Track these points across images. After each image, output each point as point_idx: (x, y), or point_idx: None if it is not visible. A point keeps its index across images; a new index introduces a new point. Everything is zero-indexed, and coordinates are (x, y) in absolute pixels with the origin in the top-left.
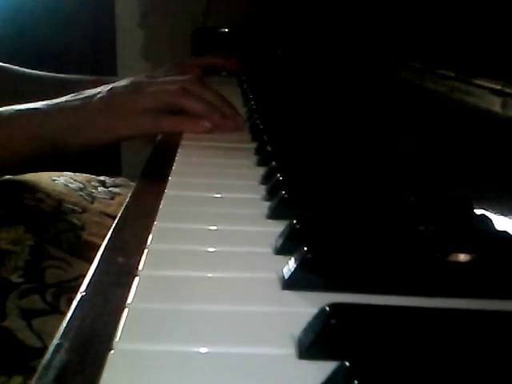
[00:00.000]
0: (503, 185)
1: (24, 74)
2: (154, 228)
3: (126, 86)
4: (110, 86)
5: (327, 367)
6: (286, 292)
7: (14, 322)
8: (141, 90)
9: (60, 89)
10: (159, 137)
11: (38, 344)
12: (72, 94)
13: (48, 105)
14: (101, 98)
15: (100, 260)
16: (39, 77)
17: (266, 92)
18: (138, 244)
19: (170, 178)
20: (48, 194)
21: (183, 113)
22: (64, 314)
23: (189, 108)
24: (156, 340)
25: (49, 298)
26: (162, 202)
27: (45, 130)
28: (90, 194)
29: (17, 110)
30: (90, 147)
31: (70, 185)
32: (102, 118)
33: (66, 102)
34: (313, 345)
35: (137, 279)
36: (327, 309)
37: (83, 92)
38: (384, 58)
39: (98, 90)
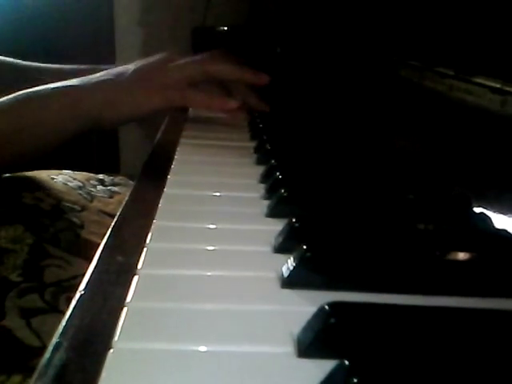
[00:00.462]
0: (502, 183)
1: (24, 66)
2: (153, 227)
3: (155, 61)
4: (140, 63)
5: (326, 366)
6: (286, 290)
7: (13, 321)
8: (171, 63)
9: (59, 79)
10: (158, 135)
11: (37, 343)
12: (103, 72)
13: (82, 81)
14: (133, 72)
15: (99, 259)
16: (37, 68)
17: (265, 90)
18: (137, 243)
19: (169, 176)
20: (47, 193)
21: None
22: (63, 312)
23: (221, 72)
24: (155, 339)
25: (48, 296)
26: (161, 200)
27: (82, 105)
28: (89, 193)
29: (53, 88)
30: (125, 121)
31: (68, 183)
32: (136, 91)
33: (100, 78)
34: (312, 343)
35: (136, 278)
36: (326, 307)
37: (113, 69)
38: (383, 56)
39: (129, 66)
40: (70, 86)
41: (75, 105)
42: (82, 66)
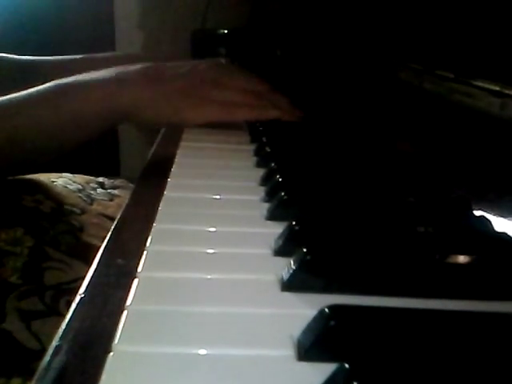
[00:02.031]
0: (502, 186)
1: (26, 61)
2: (153, 230)
3: (206, 73)
4: (189, 67)
5: (327, 369)
6: (286, 293)
7: (13, 324)
8: (222, 82)
9: (62, 71)
10: (158, 138)
11: (37, 346)
12: (147, 65)
13: (122, 73)
14: (181, 79)
15: (99, 262)
16: (41, 62)
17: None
18: (137, 246)
19: (169, 179)
20: (47, 196)
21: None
22: (63, 315)
23: (265, 115)
24: (155, 342)
25: (48, 299)
26: (161, 203)
27: (116, 102)
28: (88, 196)
29: (87, 81)
30: (154, 126)
31: (68, 186)
32: (175, 101)
33: (141, 73)
34: (312, 346)
35: (136, 281)
36: (326, 310)
37: (160, 65)
38: (383, 59)
39: (177, 66)
40: (107, 79)
41: (110, 99)
42: (80, 56)
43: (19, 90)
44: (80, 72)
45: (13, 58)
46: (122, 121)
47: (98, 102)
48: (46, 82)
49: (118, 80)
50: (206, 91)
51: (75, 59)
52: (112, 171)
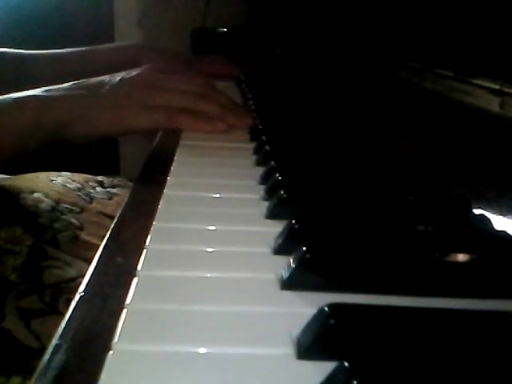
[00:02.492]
0: (502, 185)
1: (27, 56)
2: (152, 228)
3: (140, 78)
4: (119, 77)
5: (326, 367)
6: (285, 292)
7: (13, 323)
8: (157, 86)
9: (58, 65)
10: (157, 137)
11: (37, 344)
12: (73, 83)
13: (49, 91)
14: (114, 87)
15: (99, 260)
16: (43, 56)
17: (265, 91)
18: (137, 244)
19: (168, 177)
20: (46, 194)
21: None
22: (62, 314)
23: (204, 110)
24: (155, 340)
25: (47, 298)
26: (160, 202)
27: (45, 118)
28: (88, 194)
29: (14, 99)
30: (101, 137)
31: (68, 185)
32: (113, 109)
33: (71, 90)
34: (312, 345)
35: (135, 279)
36: (326, 309)
37: (86, 81)
38: (383, 57)
39: (104, 78)
40: (33, 96)
41: (35, 117)
42: (80, 48)
43: (21, 84)
44: (78, 65)
45: (14, 52)
46: (57, 136)
47: (27, 118)
48: (43, 74)
49: (46, 97)
50: (148, 96)
51: (74, 52)
52: (111, 170)
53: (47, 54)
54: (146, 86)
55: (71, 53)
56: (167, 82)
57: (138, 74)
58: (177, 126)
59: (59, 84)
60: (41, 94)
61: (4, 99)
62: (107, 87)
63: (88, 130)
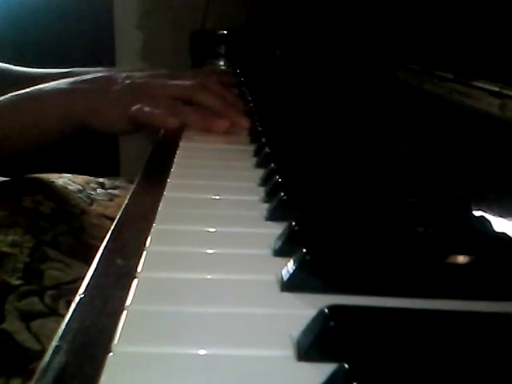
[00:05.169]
0: (502, 186)
1: (14, 72)
2: (152, 230)
3: (146, 76)
4: (125, 74)
5: (326, 369)
6: (285, 294)
7: (13, 324)
8: (161, 80)
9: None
10: (158, 138)
11: (37, 346)
12: (85, 77)
13: (73, 84)
14: (128, 84)
15: (99, 262)
16: (26, 74)
17: (265, 94)
18: (137, 246)
19: (168, 179)
20: (47, 196)
21: (201, 108)
22: (63, 316)
23: (206, 102)
24: (155, 342)
25: (47, 300)
26: (160, 203)
27: (73, 109)
28: (88, 196)
29: (40, 93)
30: (117, 131)
31: (68, 187)
32: (125, 105)
33: (87, 82)
34: (312, 347)
35: (136, 281)
36: (326, 311)
37: (96, 76)
38: (382, 59)
39: (114, 76)
40: (63, 88)
41: (67, 106)
42: (75, 69)
43: None
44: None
45: (16, 70)
46: (78, 129)
47: (54, 114)
48: None
49: (71, 90)
50: (155, 90)
51: (64, 72)
52: (112, 171)
53: (39, 72)
54: (153, 81)
55: (61, 74)
56: (172, 77)
57: (143, 73)
58: (182, 123)
59: None
60: (67, 86)
61: (35, 89)
62: (119, 82)
63: (101, 125)
